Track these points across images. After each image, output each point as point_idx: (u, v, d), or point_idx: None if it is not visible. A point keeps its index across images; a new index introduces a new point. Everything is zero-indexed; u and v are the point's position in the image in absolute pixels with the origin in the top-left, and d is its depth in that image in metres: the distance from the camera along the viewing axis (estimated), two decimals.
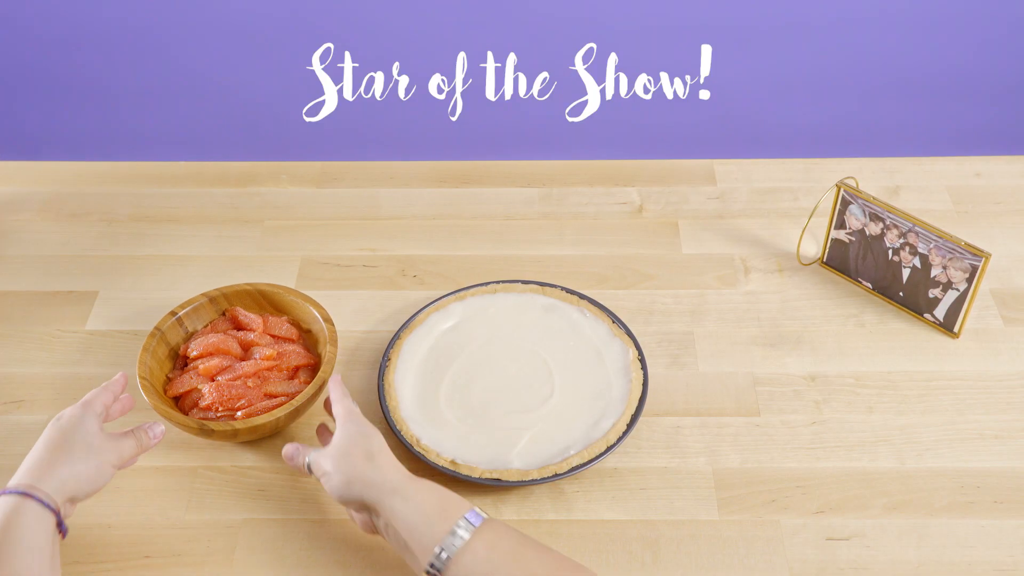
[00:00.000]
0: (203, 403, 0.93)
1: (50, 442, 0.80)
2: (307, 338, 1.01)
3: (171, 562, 0.86)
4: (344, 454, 0.81)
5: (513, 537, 0.75)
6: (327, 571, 0.86)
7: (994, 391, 0.99)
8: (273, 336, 1.00)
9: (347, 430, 0.83)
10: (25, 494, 0.75)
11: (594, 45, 1.85)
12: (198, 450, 0.95)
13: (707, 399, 0.98)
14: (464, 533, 0.74)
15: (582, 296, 1.06)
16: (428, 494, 0.78)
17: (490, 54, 1.86)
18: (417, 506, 0.77)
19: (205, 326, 1.01)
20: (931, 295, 1.03)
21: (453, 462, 0.91)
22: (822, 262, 1.12)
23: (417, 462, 0.93)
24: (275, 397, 0.94)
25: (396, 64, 1.88)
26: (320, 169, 1.26)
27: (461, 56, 1.87)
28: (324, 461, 0.81)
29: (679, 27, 1.82)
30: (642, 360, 0.99)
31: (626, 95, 1.91)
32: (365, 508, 0.80)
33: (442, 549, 0.73)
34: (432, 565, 0.74)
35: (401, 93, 1.92)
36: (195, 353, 0.97)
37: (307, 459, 0.84)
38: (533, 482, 0.89)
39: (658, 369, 1.01)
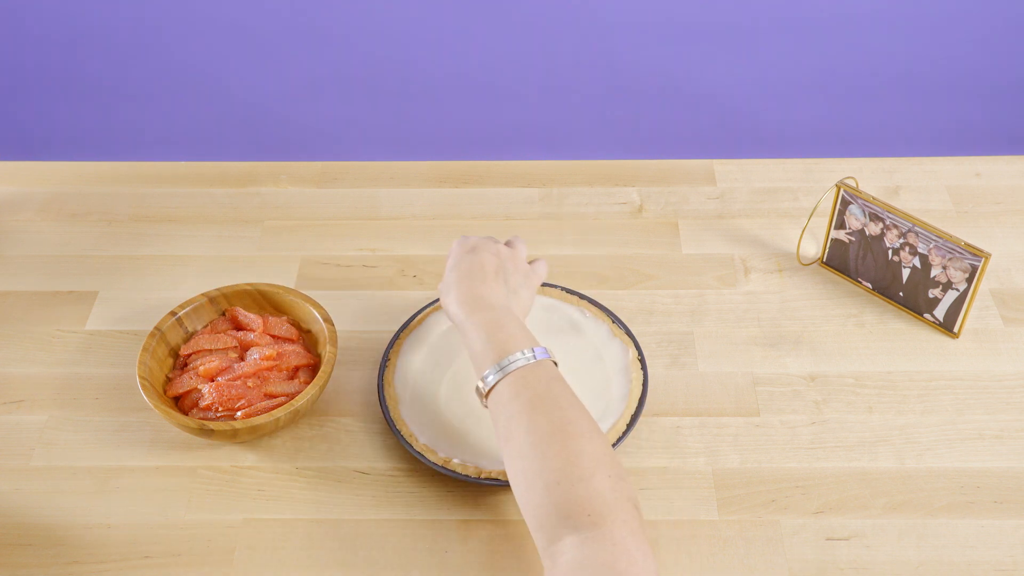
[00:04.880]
0: (203, 403, 0.93)
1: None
2: (307, 338, 1.01)
3: (171, 562, 0.86)
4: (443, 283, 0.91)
5: (533, 392, 0.79)
6: (327, 571, 0.86)
7: (994, 391, 0.99)
8: (273, 336, 1.00)
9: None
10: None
11: (595, 45, 1.85)
12: (198, 450, 0.95)
13: (707, 399, 0.98)
14: (492, 377, 0.81)
15: (582, 296, 1.06)
16: (479, 338, 0.84)
17: (490, 53, 1.86)
18: (470, 347, 0.85)
19: (205, 326, 1.01)
20: (931, 295, 1.03)
21: (453, 462, 0.91)
22: (822, 262, 1.12)
23: (416, 462, 0.93)
24: (275, 397, 0.94)
25: (395, 64, 1.88)
26: (320, 169, 1.26)
27: (461, 55, 1.87)
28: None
29: (680, 27, 1.82)
30: (642, 360, 0.99)
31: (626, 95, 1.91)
32: None
33: (479, 387, 0.83)
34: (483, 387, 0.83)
35: (401, 92, 1.92)
36: (189, 351, 0.98)
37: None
38: None
39: (658, 369, 1.01)
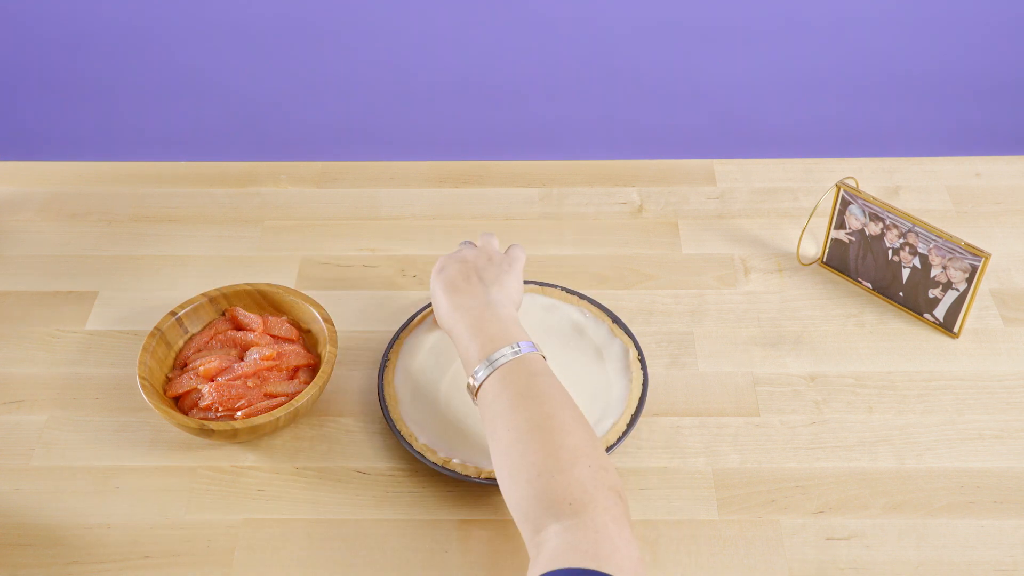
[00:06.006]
0: (203, 403, 0.93)
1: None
2: (307, 338, 1.01)
3: (171, 562, 0.86)
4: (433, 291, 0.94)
5: (516, 387, 0.81)
6: (327, 571, 0.86)
7: (994, 391, 0.99)
8: (273, 336, 1.00)
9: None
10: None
11: (595, 45, 1.85)
12: (198, 450, 0.95)
13: (707, 399, 0.98)
14: (482, 373, 0.84)
15: (582, 296, 1.06)
16: (465, 339, 0.87)
17: (490, 53, 1.86)
18: (460, 350, 0.88)
19: (205, 326, 1.01)
20: (931, 295, 1.03)
21: (452, 462, 0.91)
22: (822, 262, 1.12)
23: (416, 462, 0.93)
24: (275, 397, 0.94)
25: (395, 64, 1.88)
26: (320, 169, 1.26)
27: (461, 55, 1.87)
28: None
29: (679, 27, 1.82)
30: (642, 360, 0.99)
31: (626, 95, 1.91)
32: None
33: (469, 383, 0.85)
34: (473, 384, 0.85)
35: (401, 92, 1.92)
36: (188, 351, 0.98)
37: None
38: None
39: (658, 369, 1.01)
